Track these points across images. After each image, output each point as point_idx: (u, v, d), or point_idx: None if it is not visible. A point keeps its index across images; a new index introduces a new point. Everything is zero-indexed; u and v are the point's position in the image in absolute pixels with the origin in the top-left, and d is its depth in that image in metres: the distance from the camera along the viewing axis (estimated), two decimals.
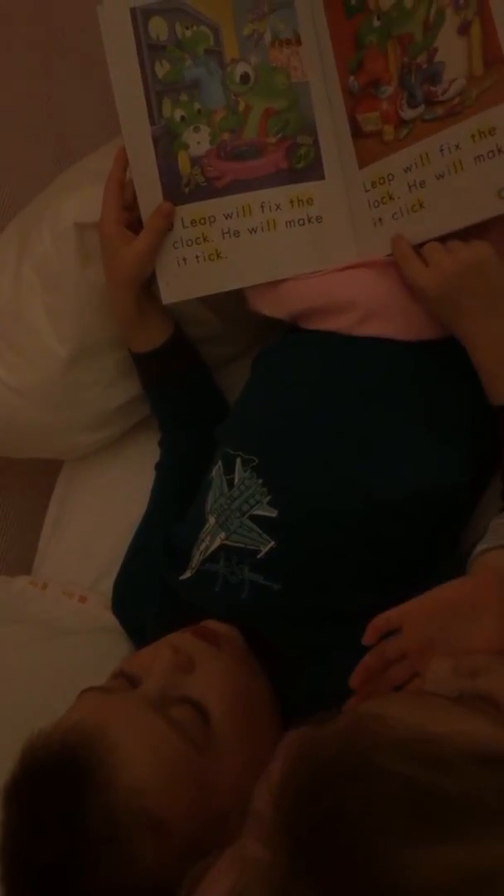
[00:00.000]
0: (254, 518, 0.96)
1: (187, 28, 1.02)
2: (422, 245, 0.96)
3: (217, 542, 0.97)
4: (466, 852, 0.46)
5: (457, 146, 0.92)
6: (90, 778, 0.70)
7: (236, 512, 0.97)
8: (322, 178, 1.03)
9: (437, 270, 0.93)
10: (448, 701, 0.59)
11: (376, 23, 0.97)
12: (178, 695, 0.80)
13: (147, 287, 1.07)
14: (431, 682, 0.65)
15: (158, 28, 1.02)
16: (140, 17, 1.01)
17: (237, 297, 1.10)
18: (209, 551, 0.98)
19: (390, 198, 0.98)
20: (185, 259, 1.04)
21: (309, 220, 1.03)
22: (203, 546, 0.99)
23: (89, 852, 0.68)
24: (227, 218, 1.03)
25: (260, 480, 0.97)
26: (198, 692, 0.80)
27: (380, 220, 1.00)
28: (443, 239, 0.95)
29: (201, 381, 1.19)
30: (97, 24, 1.02)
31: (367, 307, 1.01)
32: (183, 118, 1.03)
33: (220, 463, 1.02)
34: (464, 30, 0.90)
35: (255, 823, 0.52)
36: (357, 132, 1.00)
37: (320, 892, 0.46)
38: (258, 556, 0.94)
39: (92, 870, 0.68)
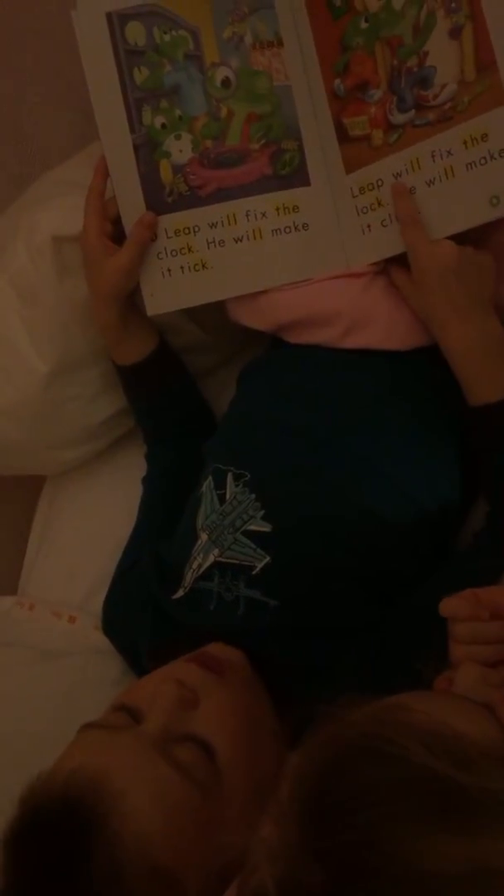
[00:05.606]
0: (247, 533, 0.94)
1: (165, 32, 0.99)
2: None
3: (210, 560, 0.95)
4: (479, 847, 0.46)
5: (449, 152, 0.90)
6: (96, 831, 0.67)
7: (229, 527, 0.95)
8: (308, 184, 1.00)
9: (438, 246, 0.91)
10: (473, 704, 0.59)
11: (363, 24, 0.94)
12: (182, 732, 0.76)
13: (131, 298, 1.04)
14: (460, 686, 0.65)
15: (136, 33, 0.98)
16: (117, 23, 0.98)
17: (220, 307, 1.07)
18: (202, 569, 0.95)
19: (379, 204, 0.96)
20: (169, 270, 1.02)
21: (295, 228, 1.01)
22: (196, 564, 0.96)
23: None
24: (211, 227, 1.01)
25: (253, 495, 0.95)
26: (203, 729, 0.77)
27: (368, 226, 0.98)
28: None
29: (187, 392, 1.16)
30: (66, 28, 0.98)
31: (352, 318, 0.99)
32: (164, 125, 1.00)
33: (210, 478, 0.99)
34: (455, 34, 0.88)
35: (272, 807, 0.51)
36: (344, 137, 0.98)
37: (327, 870, 0.46)
38: (253, 573, 0.92)
39: None
